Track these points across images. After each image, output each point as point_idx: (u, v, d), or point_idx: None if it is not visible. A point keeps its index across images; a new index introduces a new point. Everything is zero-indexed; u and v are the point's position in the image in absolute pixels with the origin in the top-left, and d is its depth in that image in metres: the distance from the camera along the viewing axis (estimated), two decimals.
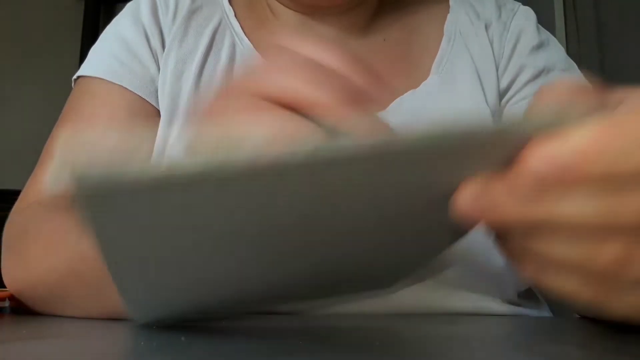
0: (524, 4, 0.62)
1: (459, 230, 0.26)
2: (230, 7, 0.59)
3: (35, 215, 0.47)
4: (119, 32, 0.57)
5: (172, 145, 0.50)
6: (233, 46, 0.55)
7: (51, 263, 0.41)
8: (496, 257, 0.45)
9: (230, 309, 0.36)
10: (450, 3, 0.61)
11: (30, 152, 2.02)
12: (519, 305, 0.49)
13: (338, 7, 0.55)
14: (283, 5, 0.57)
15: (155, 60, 0.54)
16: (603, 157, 0.20)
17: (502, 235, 0.24)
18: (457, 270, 0.45)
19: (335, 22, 0.56)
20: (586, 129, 0.20)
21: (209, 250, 0.26)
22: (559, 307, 0.52)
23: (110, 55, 0.55)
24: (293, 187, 0.22)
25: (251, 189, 0.22)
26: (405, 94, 0.53)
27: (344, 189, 0.23)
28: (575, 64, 0.58)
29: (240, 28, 0.57)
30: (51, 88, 1.91)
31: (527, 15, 0.59)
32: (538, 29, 0.58)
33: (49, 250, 0.42)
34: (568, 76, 0.55)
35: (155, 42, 0.55)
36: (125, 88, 0.53)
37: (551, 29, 0.60)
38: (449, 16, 0.59)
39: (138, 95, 0.53)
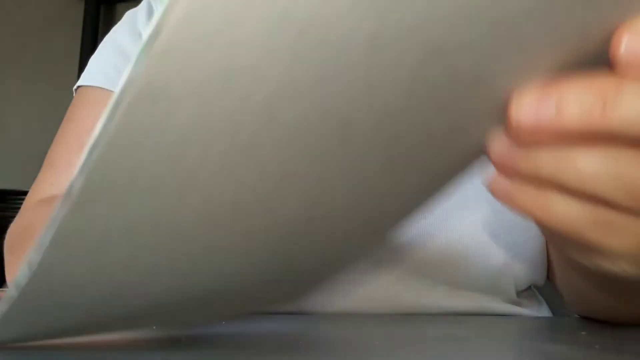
0: None
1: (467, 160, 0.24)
2: None
3: (37, 213, 0.49)
4: (116, 41, 0.58)
5: None
6: None
7: None
8: (495, 256, 0.45)
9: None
10: None
11: (30, 152, 2.03)
12: (518, 304, 0.49)
13: None
14: None
15: None
16: None
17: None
18: (456, 269, 0.45)
19: None
20: None
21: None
22: (558, 306, 0.52)
23: (109, 64, 0.56)
24: None
25: None
26: None
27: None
28: None
29: None
30: (51, 88, 1.91)
31: None
32: None
33: None
34: None
35: None
36: None
37: None
38: None
39: None
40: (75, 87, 0.58)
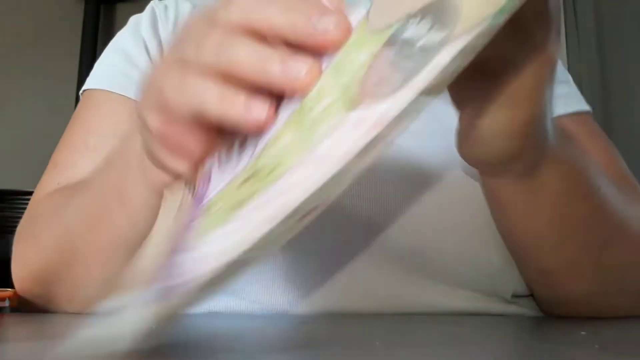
0: None
1: None
2: None
3: (44, 205, 0.51)
4: (120, 46, 0.60)
5: None
6: None
7: (50, 238, 0.46)
8: (493, 256, 0.45)
9: None
10: None
11: (30, 152, 2.02)
12: (516, 304, 0.49)
13: None
14: None
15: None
16: None
17: None
18: (456, 269, 0.45)
19: None
20: None
21: None
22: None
23: (113, 68, 0.58)
24: None
25: None
26: None
27: None
28: (570, 77, 0.57)
29: None
30: (51, 88, 1.91)
31: None
32: None
33: (52, 228, 0.46)
34: (565, 88, 0.55)
35: (155, 54, 0.56)
36: (129, 98, 0.55)
37: None
38: None
39: None
40: (81, 91, 0.59)
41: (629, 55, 1.48)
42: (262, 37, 0.26)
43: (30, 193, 0.58)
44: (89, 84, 0.59)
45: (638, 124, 1.35)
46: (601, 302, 0.43)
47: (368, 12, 0.27)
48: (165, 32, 0.58)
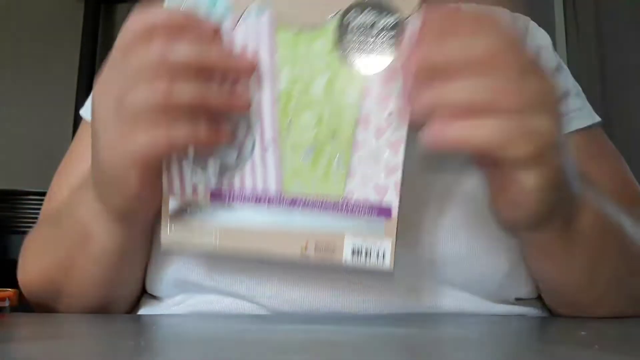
0: (524, 4, 0.62)
1: None
2: None
3: (35, 232, 0.54)
4: None
5: None
6: None
7: (49, 260, 0.48)
8: (501, 263, 0.44)
9: None
10: None
11: (30, 152, 2.02)
12: (518, 304, 0.48)
13: None
14: None
15: None
16: None
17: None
18: (460, 274, 0.45)
19: None
20: None
21: None
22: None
23: None
24: None
25: None
26: None
27: None
28: (579, 87, 0.57)
29: None
30: (51, 88, 1.91)
31: (542, 34, 0.58)
32: (554, 49, 0.57)
33: (48, 251, 0.48)
34: (578, 102, 0.55)
35: None
36: None
37: (551, 29, 0.59)
38: None
39: None
40: (80, 112, 0.60)
41: (629, 55, 1.48)
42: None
43: (31, 193, 0.58)
44: (85, 112, 0.59)
45: (638, 123, 1.35)
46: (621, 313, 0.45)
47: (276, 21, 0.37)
48: None
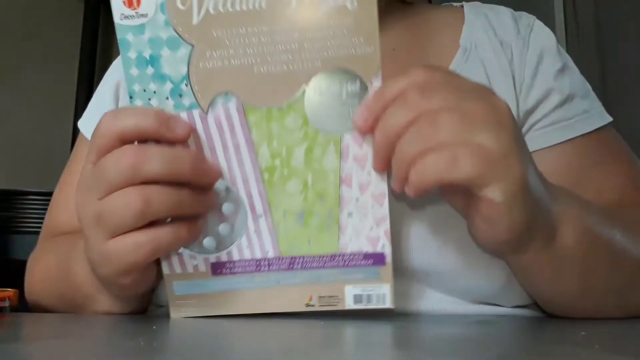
0: (525, 4, 0.61)
1: None
2: None
3: (43, 247, 0.57)
4: (102, 98, 0.61)
5: None
6: None
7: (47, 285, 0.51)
8: (498, 274, 0.44)
9: None
10: (465, 13, 0.58)
11: (31, 152, 2.02)
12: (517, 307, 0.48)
13: None
14: None
15: None
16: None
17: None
18: (457, 285, 0.45)
19: None
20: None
21: None
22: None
23: (98, 119, 0.58)
24: None
25: None
26: None
27: None
28: (590, 88, 0.56)
29: None
30: (51, 88, 1.91)
31: (547, 34, 0.57)
32: (559, 50, 0.56)
33: (51, 288, 0.51)
34: (587, 103, 0.54)
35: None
36: None
37: (551, 29, 0.58)
38: (464, 28, 0.56)
39: None
40: (78, 123, 0.61)
41: (629, 55, 1.48)
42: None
43: (31, 193, 0.58)
44: (81, 124, 0.61)
45: (638, 123, 1.35)
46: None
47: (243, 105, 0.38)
48: None
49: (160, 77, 0.38)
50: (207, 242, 0.40)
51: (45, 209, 0.61)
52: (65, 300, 0.48)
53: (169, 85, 0.38)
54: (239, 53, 0.37)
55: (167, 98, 0.38)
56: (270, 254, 0.40)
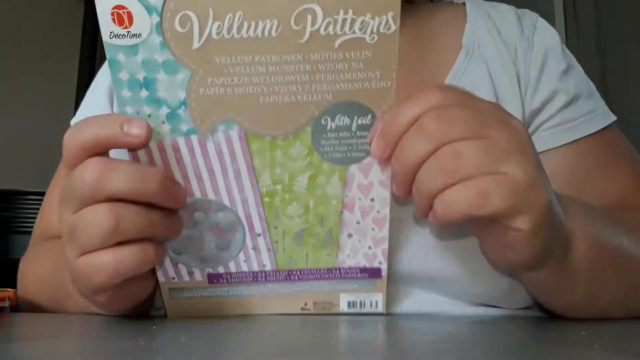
0: (525, 4, 0.61)
1: None
2: None
3: (33, 253, 0.57)
4: (94, 99, 0.59)
5: None
6: None
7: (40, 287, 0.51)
8: (501, 279, 0.44)
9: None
10: (467, 12, 0.57)
11: (31, 152, 2.02)
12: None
13: None
14: None
15: None
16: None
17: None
18: (461, 290, 0.45)
19: None
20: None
21: None
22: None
23: None
24: None
25: None
26: None
27: None
28: (594, 87, 0.56)
29: None
30: (51, 88, 1.91)
31: (551, 34, 0.56)
32: (563, 50, 0.56)
33: (44, 292, 0.51)
34: (591, 104, 0.53)
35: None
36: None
37: None
38: (467, 27, 0.56)
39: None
40: (71, 121, 0.60)
41: (629, 55, 1.48)
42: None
43: (30, 193, 0.59)
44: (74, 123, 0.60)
45: (638, 124, 1.35)
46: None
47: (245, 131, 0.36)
48: None
49: (156, 101, 0.35)
50: (204, 257, 0.39)
51: None
52: (59, 305, 0.48)
53: (165, 110, 0.35)
54: (244, 81, 0.35)
55: (163, 122, 0.35)
56: (268, 267, 0.40)
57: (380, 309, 0.41)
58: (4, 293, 0.47)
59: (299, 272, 0.40)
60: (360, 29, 0.34)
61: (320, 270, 0.40)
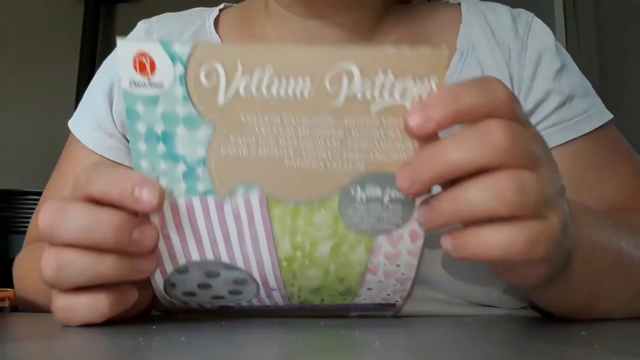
0: (525, 4, 0.61)
1: None
2: (218, 36, 0.58)
3: (29, 253, 0.57)
4: (93, 99, 0.59)
5: None
6: None
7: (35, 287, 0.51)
8: (496, 281, 0.44)
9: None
10: (462, 12, 0.57)
11: (30, 152, 2.01)
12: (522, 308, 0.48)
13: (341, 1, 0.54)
14: (285, 9, 0.56)
15: (122, 134, 0.57)
16: None
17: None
18: (456, 290, 0.45)
19: (340, 22, 0.54)
20: None
21: None
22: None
23: (88, 123, 0.59)
24: None
25: None
26: None
27: None
28: (590, 85, 0.55)
29: None
30: (51, 88, 1.91)
31: (545, 34, 0.56)
32: (557, 49, 0.55)
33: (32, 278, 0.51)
34: (586, 102, 0.53)
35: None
36: (103, 156, 0.57)
37: (551, 29, 0.58)
38: (462, 28, 0.56)
39: (116, 162, 0.57)
40: (69, 123, 0.60)
41: (628, 55, 1.48)
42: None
43: (30, 193, 0.59)
44: (72, 125, 0.60)
45: (638, 124, 1.35)
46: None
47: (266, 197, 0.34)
48: None
49: (173, 157, 0.33)
50: (216, 298, 0.38)
51: None
52: None
53: (182, 167, 0.33)
54: (269, 143, 0.32)
55: (179, 180, 0.33)
56: (281, 304, 0.39)
57: (389, 315, 0.42)
58: (4, 293, 0.47)
59: (311, 306, 0.40)
60: (400, 95, 0.31)
61: (334, 305, 0.40)
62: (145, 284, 0.36)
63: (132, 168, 0.56)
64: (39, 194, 0.62)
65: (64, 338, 0.32)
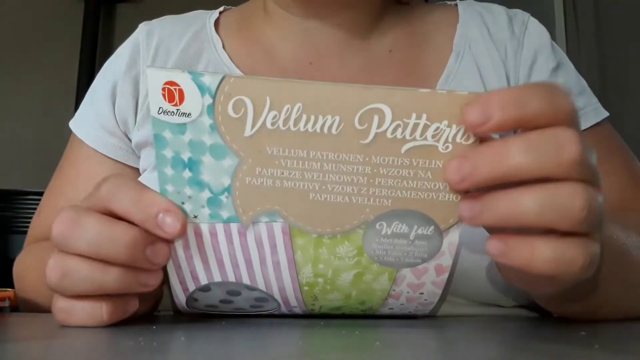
0: (524, 4, 0.61)
1: None
2: (218, 37, 0.58)
3: (30, 254, 0.58)
4: (95, 99, 0.59)
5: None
6: None
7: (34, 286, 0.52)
8: (496, 276, 0.44)
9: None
10: (459, 12, 0.58)
11: (30, 152, 2.01)
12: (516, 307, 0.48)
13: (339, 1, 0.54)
14: (283, 9, 0.56)
15: (124, 134, 0.58)
16: None
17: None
18: (456, 286, 0.45)
19: (338, 22, 0.55)
20: None
21: None
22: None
23: (90, 123, 0.59)
24: None
25: None
26: None
27: None
28: (585, 83, 0.56)
29: (229, 59, 0.57)
30: (51, 88, 1.91)
31: (540, 33, 0.56)
32: (553, 47, 0.56)
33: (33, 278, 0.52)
34: (582, 100, 0.53)
35: (128, 110, 0.57)
36: (105, 155, 0.57)
37: (551, 29, 0.58)
38: (458, 28, 0.56)
39: (118, 161, 0.57)
40: (70, 123, 0.60)
41: (629, 55, 1.48)
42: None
43: (30, 193, 0.59)
44: (74, 124, 0.60)
45: (638, 124, 1.35)
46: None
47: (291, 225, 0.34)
48: (146, 58, 0.58)
49: (198, 184, 0.33)
50: (237, 310, 0.39)
51: None
52: None
53: (206, 194, 0.33)
54: (295, 176, 0.32)
55: (203, 206, 0.33)
56: (298, 311, 0.40)
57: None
58: (4, 293, 0.47)
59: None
60: (433, 136, 0.31)
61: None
62: (147, 294, 0.36)
63: (137, 170, 0.56)
64: (39, 194, 0.62)
65: (64, 338, 0.32)
